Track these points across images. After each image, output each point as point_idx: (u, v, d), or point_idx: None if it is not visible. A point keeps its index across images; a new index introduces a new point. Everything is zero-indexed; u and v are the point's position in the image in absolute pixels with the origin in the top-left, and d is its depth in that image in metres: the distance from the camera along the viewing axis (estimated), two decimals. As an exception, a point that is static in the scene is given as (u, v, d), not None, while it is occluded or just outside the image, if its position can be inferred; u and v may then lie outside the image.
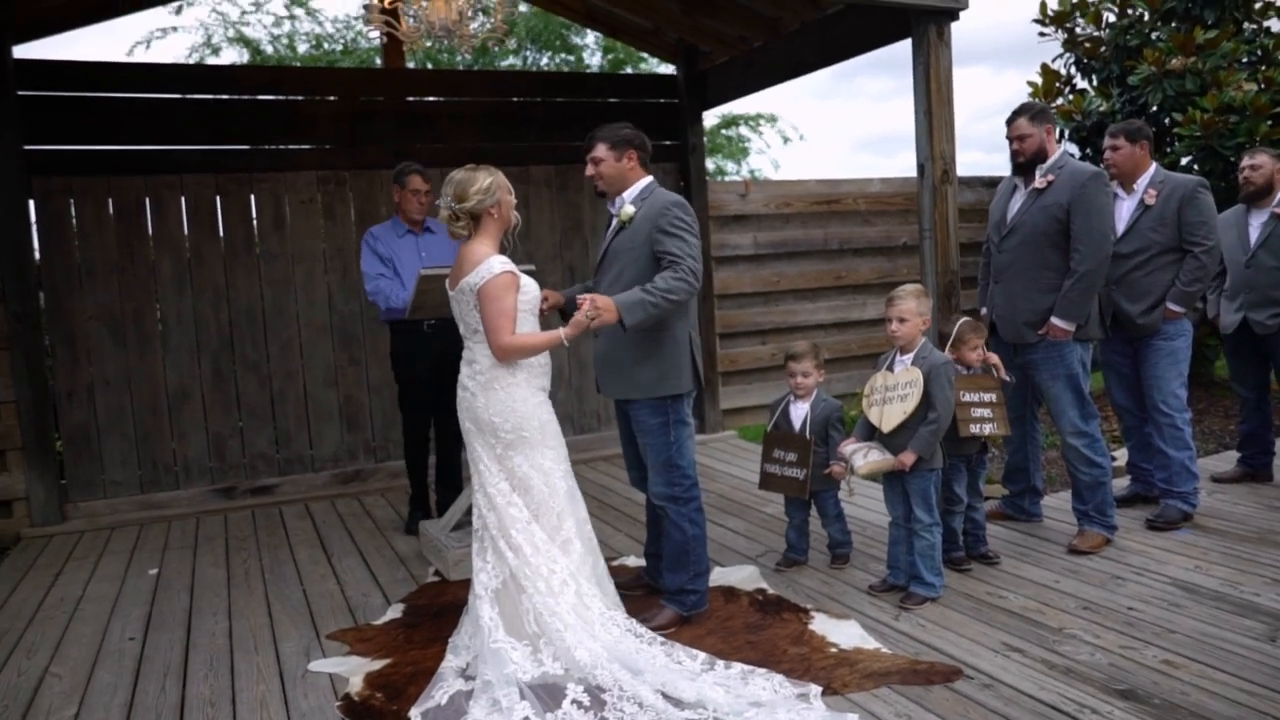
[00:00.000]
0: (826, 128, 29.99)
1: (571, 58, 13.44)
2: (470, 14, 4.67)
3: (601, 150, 3.35)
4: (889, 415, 3.46)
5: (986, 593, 3.58)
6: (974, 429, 3.73)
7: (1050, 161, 3.99)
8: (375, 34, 4.80)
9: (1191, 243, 4.14)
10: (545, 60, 13.38)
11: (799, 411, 3.88)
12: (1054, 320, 3.89)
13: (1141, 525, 4.25)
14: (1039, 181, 3.98)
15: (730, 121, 14.20)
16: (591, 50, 13.21)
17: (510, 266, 3.09)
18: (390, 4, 4.66)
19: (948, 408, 3.43)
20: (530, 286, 3.18)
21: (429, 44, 5.02)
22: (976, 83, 31.43)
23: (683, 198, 3.39)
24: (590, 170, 3.41)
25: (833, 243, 7.29)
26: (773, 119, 14.45)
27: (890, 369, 3.56)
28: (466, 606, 3.23)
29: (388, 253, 4.64)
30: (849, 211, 7.35)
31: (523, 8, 10.49)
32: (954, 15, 4.50)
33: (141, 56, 10.75)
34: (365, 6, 4.57)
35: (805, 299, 7.22)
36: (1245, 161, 4.68)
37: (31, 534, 5.14)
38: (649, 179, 3.42)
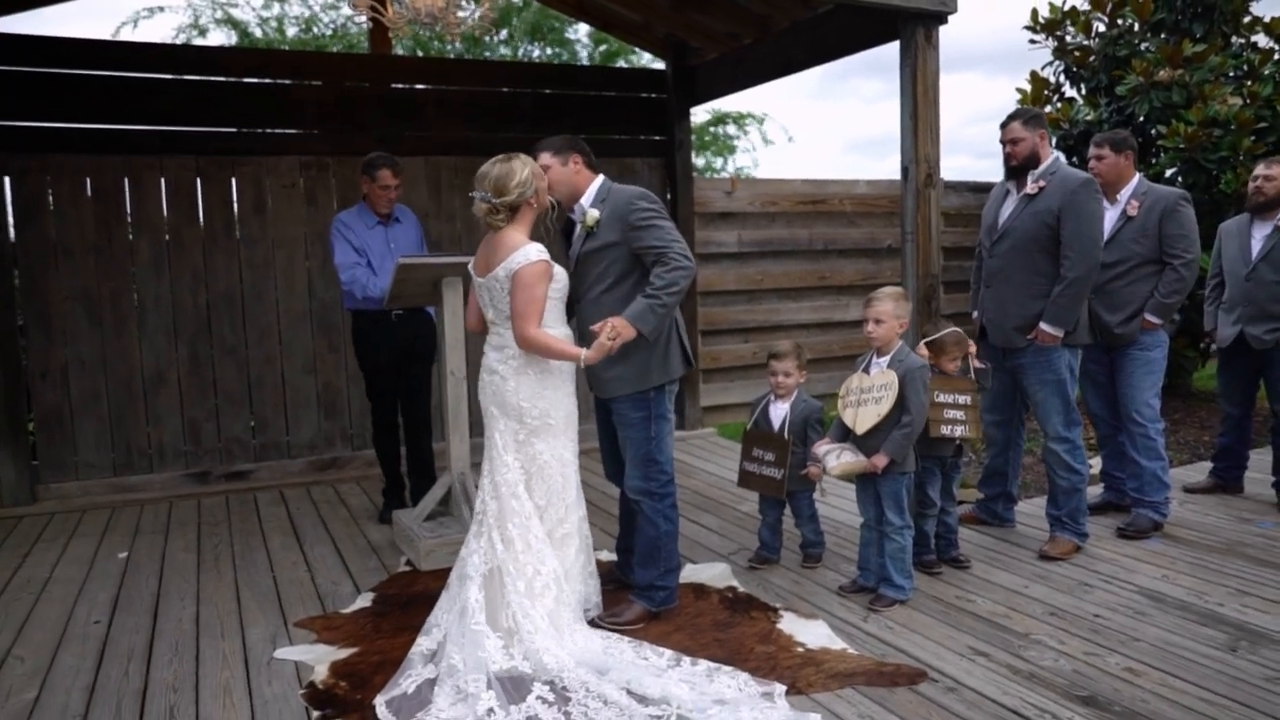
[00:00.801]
0: (818, 128, 30.06)
1: (564, 51, 13.41)
2: (457, 2, 4.65)
3: (546, 157, 3.31)
4: (863, 417, 3.46)
5: (955, 596, 3.59)
6: (945, 430, 3.74)
7: (1043, 167, 4.00)
8: (361, 19, 4.77)
9: (1172, 255, 4.17)
10: (537, 53, 13.33)
11: (779, 411, 3.88)
12: (1043, 325, 3.91)
13: (1112, 533, 4.28)
14: (1030, 187, 4.00)
15: (719, 119, 14.20)
16: (584, 44, 13.18)
17: (546, 255, 3.09)
18: (376, -11, 4.63)
19: (921, 411, 3.44)
20: (561, 276, 3.20)
21: (415, 30, 4.97)
22: (969, 88, 31.57)
23: (641, 188, 3.37)
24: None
25: (817, 243, 7.30)
26: (761, 119, 14.47)
27: (866, 371, 3.57)
28: (447, 583, 3.22)
29: (359, 241, 4.61)
30: (835, 212, 7.36)
31: (515, -1, 10.46)
32: (942, 19, 4.50)
33: (128, 36, 10.64)
34: (352, -9, 4.54)
35: (789, 298, 7.23)
36: (1259, 170, 4.57)
37: (1, 515, 5.08)
38: (600, 178, 3.39)
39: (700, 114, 14.38)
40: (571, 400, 3.24)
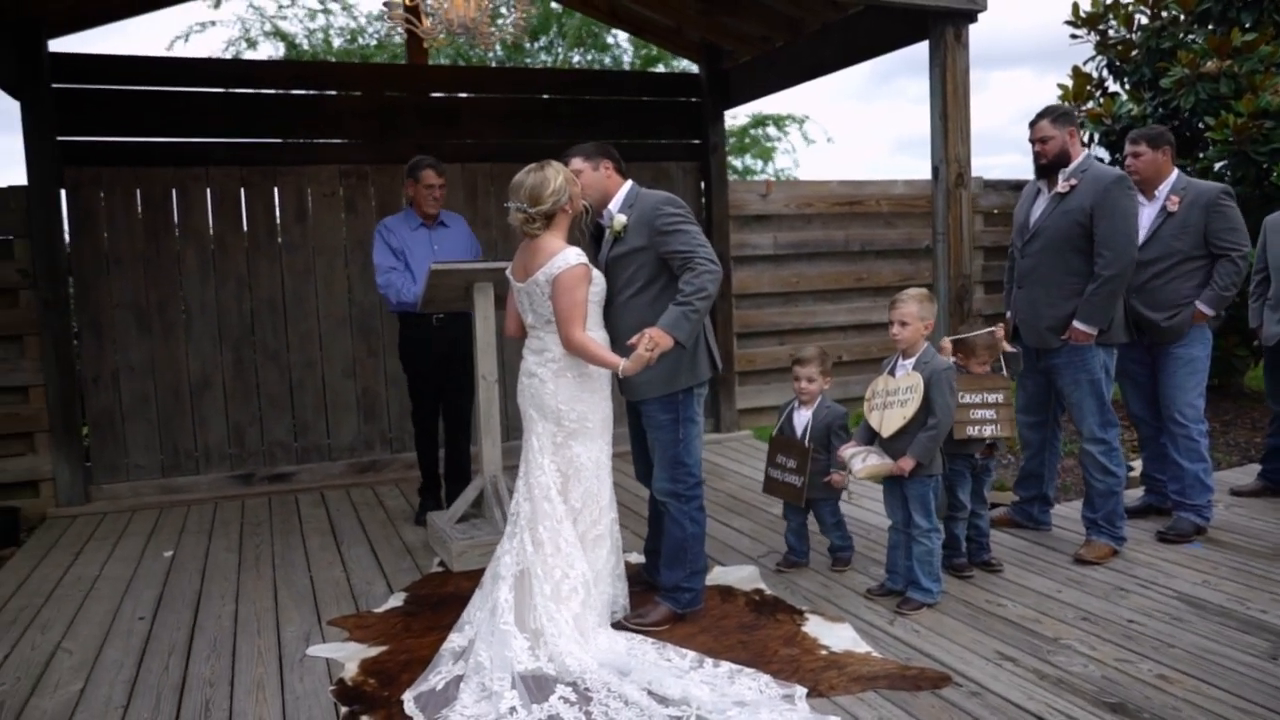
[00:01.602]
0: (865, 129, 29.71)
1: (606, 56, 13.48)
2: (489, 12, 4.72)
3: (578, 163, 3.37)
4: (889, 420, 3.44)
5: (985, 600, 3.55)
6: (971, 430, 3.69)
7: (1074, 165, 3.93)
8: (396, 31, 4.86)
9: (1225, 247, 4.07)
10: (578, 58, 13.43)
11: (802, 418, 3.87)
12: (1076, 324, 3.85)
13: (1153, 537, 4.19)
14: (1061, 185, 3.93)
15: (759, 121, 14.14)
16: (625, 49, 13.23)
17: (585, 259, 3.15)
18: (411, 2, 4.73)
19: (947, 414, 3.40)
20: (599, 279, 3.26)
21: (447, 40, 5.06)
22: (1017, 85, 30.99)
23: (668, 193, 3.39)
24: None
25: (854, 244, 7.25)
26: (802, 120, 14.37)
27: (892, 373, 3.54)
28: (480, 582, 3.28)
29: (400, 245, 4.70)
30: (872, 213, 7.29)
31: (554, 5, 10.55)
32: (972, 17, 4.46)
33: (180, 51, 10.98)
34: (386, 4, 4.64)
35: (825, 300, 7.19)
36: None
37: (56, 514, 5.28)
38: (629, 184, 3.44)
39: (740, 116, 14.35)
40: (608, 404, 3.29)
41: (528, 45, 13.34)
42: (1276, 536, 4.16)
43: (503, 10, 5.90)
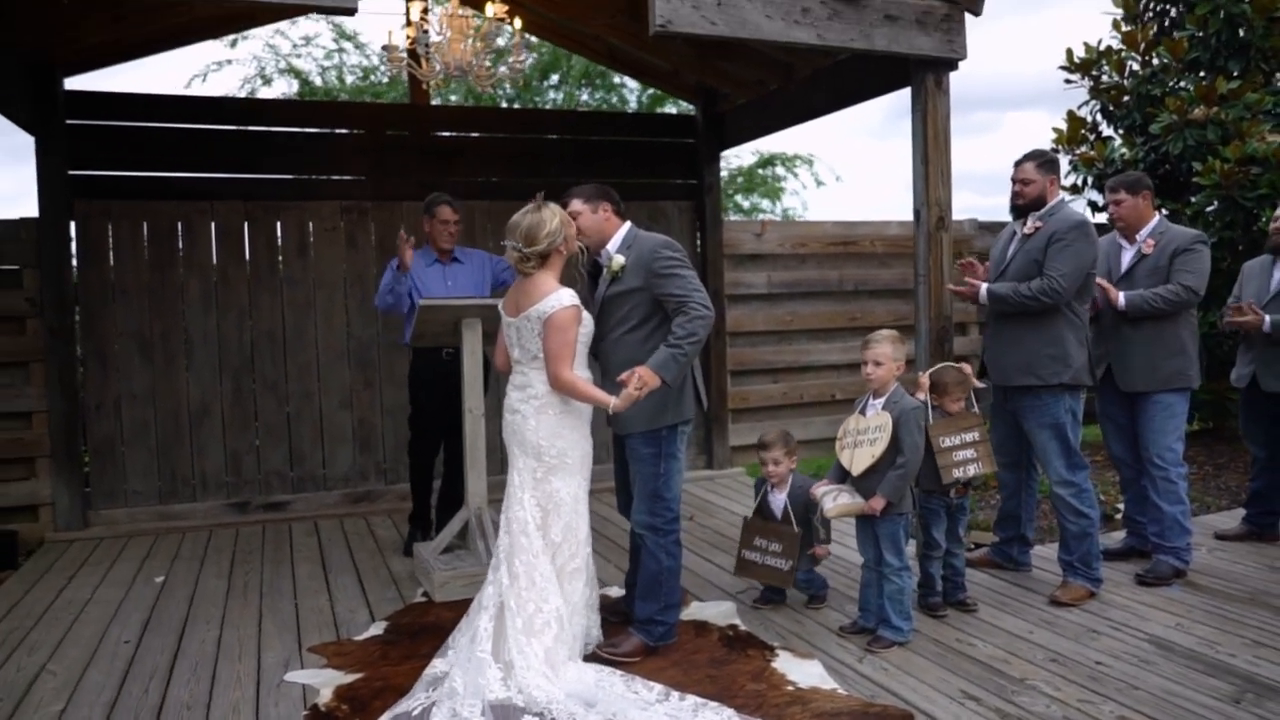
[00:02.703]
0: (880, 166, 29.93)
1: (614, 96, 13.73)
2: (485, 55, 4.89)
3: (577, 204, 3.48)
4: (858, 458, 3.50)
5: (956, 639, 3.58)
6: (958, 473, 3.74)
7: (1045, 209, 4.03)
8: (392, 71, 5.03)
9: (1178, 273, 4.11)
10: (585, 96, 13.69)
11: (778, 501, 3.91)
12: (982, 288, 3.98)
13: (1131, 580, 4.20)
14: (1028, 227, 4.03)
15: (766, 161, 14.32)
16: (631, 89, 13.48)
17: (577, 300, 3.26)
18: (410, 45, 4.90)
19: (915, 452, 3.46)
20: (589, 321, 3.35)
21: (445, 82, 5.22)
22: (1032, 126, 31.21)
23: (664, 236, 3.49)
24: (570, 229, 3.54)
25: (848, 284, 7.33)
26: (810, 160, 14.55)
27: (863, 413, 3.61)
28: (468, 611, 3.35)
29: (412, 274, 4.81)
30: (866, 254, 7.39)
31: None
32: (952, 65, 4.58)
33: (198, 89, 11.28)
34: (384, 47, 4.81)
35: (819, 339, 7.26)
36: (1279, 213, 4.57)
37: (55, 538, 5.38)
38: (627, 225, 3.54)
39: (746, 156, 14.54)
40: (588, 441, 3.37)
41: (538, 83, 13.63)
42: (1255, 581, 4.17)
43: (499, 52, 6.08)
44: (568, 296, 3.21)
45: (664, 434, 3.42)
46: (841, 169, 23.90)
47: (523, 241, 3.22)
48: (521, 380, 3.35)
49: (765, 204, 14.67)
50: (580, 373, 3.30)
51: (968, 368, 3.90)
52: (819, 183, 14.86)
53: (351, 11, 3.63)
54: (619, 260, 3.42)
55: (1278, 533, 4.80)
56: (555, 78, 13.64)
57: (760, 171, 14.72)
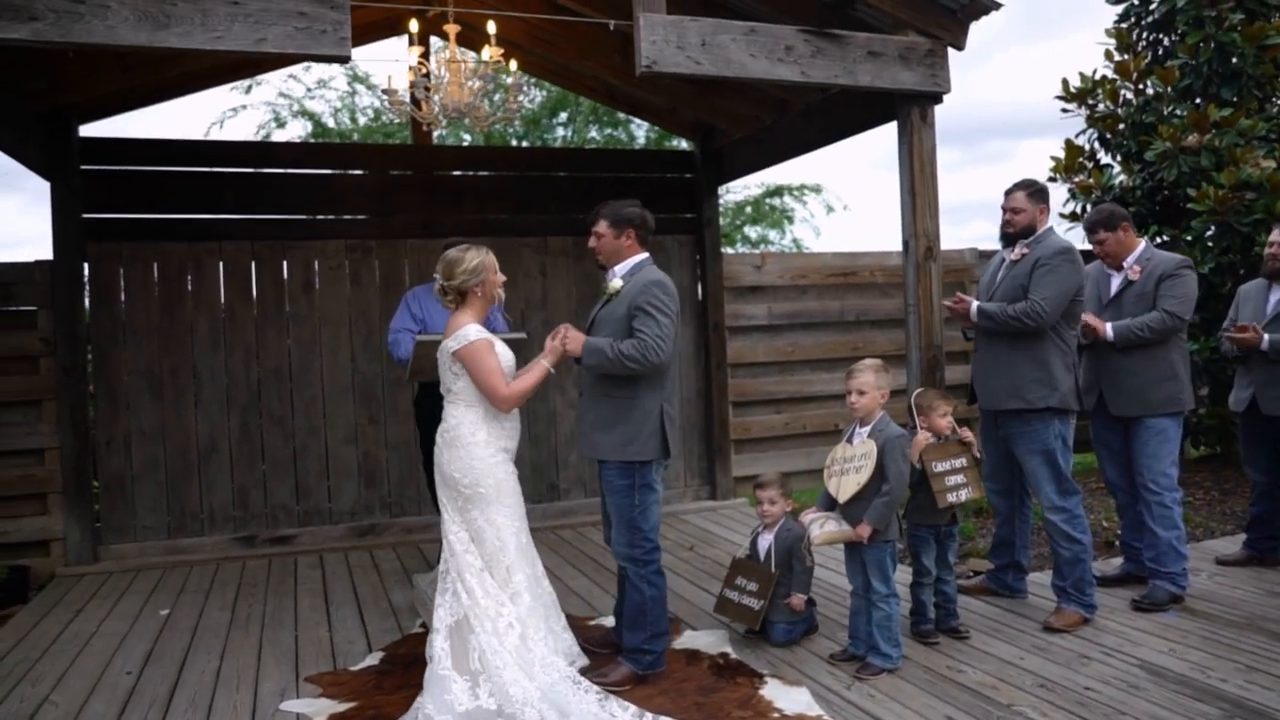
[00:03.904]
0: (890, 196, 30.03)
1: (621, 132, 13.96)
2: (483, 96, 5.03)
3: (602, 226, 3.61)
4: (845, 486, 3.54)
5: (946, 666, 3.58)
6: (951, 498, 3.77)
7: (1032, 236, 4.09)
8: (396, 116, 5.19)
9: (1164, 299, 4.14)
10: (594, 132, 13.91)
11: (765, 542, 3.95)
12: (973, 304, 4.03)
13: (1128, 605, 4.19)
14: (1015, 254, 4.09)
15: (773, 191, 14.46)
16: (638, 125, 13.69)
17: (485, 335, 3.36)
18: (410, 88, 5.06)
19: (900, 480, 3.50)
20: (505, 354, 3.43)
21: (444, 124, 5.37)
22: (1047, 153, 31.27)
23: (667, 277, 3.57)
24: (592, 242, 3.67)
25: (849, 314, 7.38)
26: (817, 189, 14.68)
27: (850, 441, 3.66)
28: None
29: (421, 313, 4.93)
30: (866, 284, 7.44)
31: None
32: (937, 98, 4.67)
33: (216, 135, 11.58)
34: (385, 92, 4.97)
35: (821, 369, 7.29)
36: (1274, 237, 4.59)
37: (65, 573, 5.48)
38: (642, 255, 3.63)
39: (752, 187, 14.69)
40: (504, 469, 3.40)
41: (547, 121, 13.89)
42: (1252, 606, 4.15)
43: (503, 89, 6.23)
44: (474, 331, 3.33)
45: (637, 467, 3.47)
46: (850, 198, 24.06)
47: (441, 274, 3.40)
48: (443, 413, 3.45)
49: (773, 235, 14.80)
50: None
51: (932, 391, 3.93)
52: (829, 209, 15.00)
53: (345, 60, 3.77)
54: (616, 284, 3.54)
55: (1279, 557, 4.76)
56: (564, 115, 13.91)
57: (768, 202, 14.86)
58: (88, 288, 5.71)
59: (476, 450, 3.33)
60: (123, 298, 5.79)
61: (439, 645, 3.21)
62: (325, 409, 6.13)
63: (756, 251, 12.00)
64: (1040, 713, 3.13)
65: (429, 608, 4.26)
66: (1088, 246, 4.42)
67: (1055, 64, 30.10)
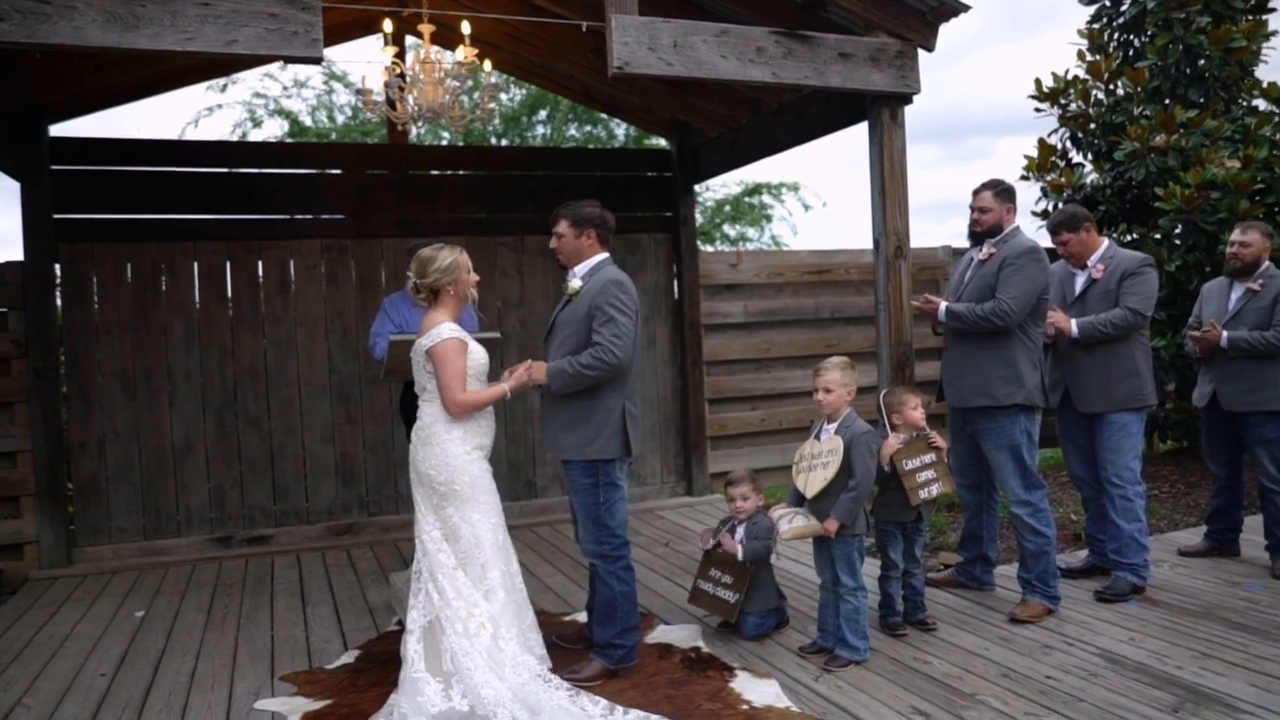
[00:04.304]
0: (868, 194, 30.19)
1: (601, 130, 13.99)
2: (457, 95, 5.05)
3: (563, 226, 3.63)
4: (812, 482, 3.60)
5: (913, 658, 3.65)
6: (924, 494, 3.83)
7: (999, 236, 4.16)
8: (372, 115, 5.20)
9: (1126, 296, 4.23)
10: (573, 130, 13.93)
11: (738, 536, 4.01)
12: (942, 305, 4.10)
13: (1091, 596, 4.28)
14: (983, 253, 4.17)
15: (752, 190, 14.53)
16: (617, 123, 13.72)
17: (458, 333, 3.37)
18: (385, 88, 5.07)
19: (867, 475, 3.56)
20: (478, 353, 3.45)
21: (417, 123, 5.39)
22: (1028, 150, 31.55)
23: (626, 277, 3.60)
24: (553, 243, 3.69)
25: (824, 311, 7.45)
26: (795, 186, 14.77)
27: (817, 438, 3.71)
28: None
29: (401, 320, 4.95)
30: (841, 281, 7.52)
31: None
32: (906, 99, 4.73)
33: (191, 135, 11.51)
34: (358, 91, 4.98)
35: (796, 366, 7.35)
36: (1235, 236, 4.67)
37: (39, 576, 5.46)
38: (603, 255, 3.66)
39: (731, 185, 14.76)
40: (478, 466, 3.42)
41: (526, 119, 13.89)
42: (1210, 595, 4.25)
43: (476, 94, 6.24)
44: (447, 330, 3.34)
45: (600, 465, 3.51)
46: (829, 196, 24.15)
47: (415, 272, 3.43)
48: (419, 411, 3.47)
49: (752, 232, 14.88)
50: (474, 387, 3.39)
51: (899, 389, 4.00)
52: (806, 207, 15.11)
53: (317, 61, 3.79)
54: (576, 284, 3.57)
55: (1238, 548, 4.88)
56: (544, 113, 13.92)
57: (747, 200, 14.95)
58: (60, 288, 5.68)
59: (451, 448, 3.36)
60: (96, 298, 5.77)
61: (412, 647, 3.23)
62: (302, 409, 6.13)
63: (732, 250, 12.08)
64: (1003, 702, 3.20)
65: (405, 606, 4.31)
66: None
67: (1036, 62, 30.40)
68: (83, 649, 4.20)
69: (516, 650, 3.25)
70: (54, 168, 5.64)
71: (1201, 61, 6.91)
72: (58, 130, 5.74)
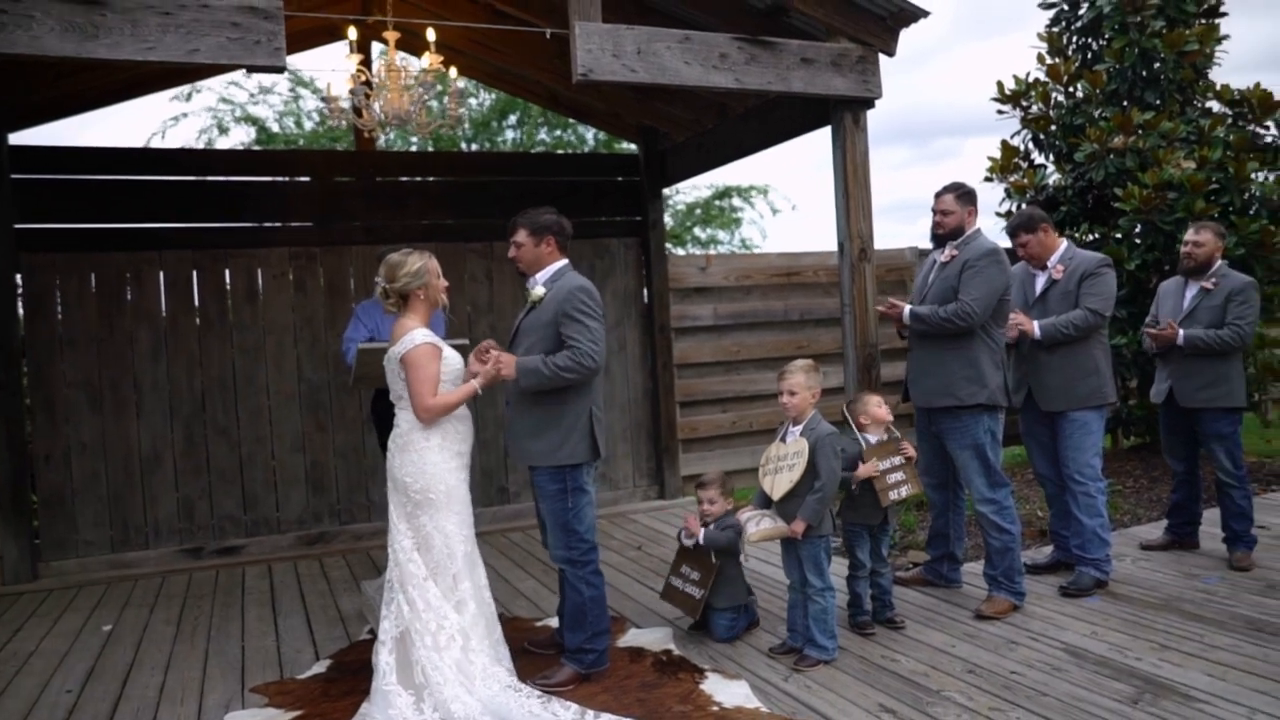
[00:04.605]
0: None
1: (570, 134, 14.00)
2: (422, 103, 5.05)
3: (522, 235, 3.63)
4: (778, 484, 3.64)
5: (881, 656, 3.70)
6: (893, 495, 3.89)
7: (960, 239, 4.23)
8: (340, 122, 5.19)
9: (1085, 296, 4.31)
10: (543, 135, 13.94)
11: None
12: (906, 308, 4.16)
13: (1056, 592, 4.36)
14: (945, 255, 4.24)
15: (722, 193, 14.61)
16: (587, 127, 13.74)
17: (432, 339, 3.37)
18: (349, 95, 5.06)
19: (832, 477, 3.61)
20: (453, 358, 3.44)
21: (384, 130, 5.39)
22: (994, 151, 31.93)
23: (589, 282, 3.62)
24: (512, 252, 3.69)
25: (793, 313, 7.52)
26: (764, 189, 14.87)
27: (783, 440, 3.76)
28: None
29: (372, 325, 4.94)
30: (810, 283, 7.59)
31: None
32: (869, 104, 4.80)
33: (157, 144, 11.37)
34: (324, 99, 4.97)
35: (766, 368, 7.40)
36: (1189, 236, 4.76)
37: (3, 592, 5.37)
38: (563, 262, 3.68)
39: (702, 189, 14.83)
40: (455, 475, 3.41)
41: (496, 124, 13.88)
42: (1169, 588, 4.34)
43: (444, 99, 6.25)
44: (421, 335, 3.34)
45: (568, 470, 3.52)
46: (798, 198, 24.35)
47: (384, 277, 3.41)
48: (396, 419, 3.46)
49: (722, 235, 14.97)
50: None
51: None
52: (775, 210, 15.22)
53: (280, 70, 3.78)
54: (539, 292, 3.57)
55: (1197, 541, 4.98)
56: (514, 118, 13.91)
57: (717, 203, 15.03)
58: (21, 299, 5.61)
59: (430, 455, 3.35)
60: (59, 309, 5.70)
61: (384, 658, 3.22)
62: (271, 417, 6.10)
63: (702, 253, 12.11)
64: (968, 697, 3.26)
65: (377, 614, 4.30)
66: None
67: (1002, 63, 30.80)
68: (48, 665, 4.15)
69: (487, 662, 3.25)
70: (14, 176, 5.57)
71: (1157, 65, 7.06)
72: (17, 139, 5.67)
